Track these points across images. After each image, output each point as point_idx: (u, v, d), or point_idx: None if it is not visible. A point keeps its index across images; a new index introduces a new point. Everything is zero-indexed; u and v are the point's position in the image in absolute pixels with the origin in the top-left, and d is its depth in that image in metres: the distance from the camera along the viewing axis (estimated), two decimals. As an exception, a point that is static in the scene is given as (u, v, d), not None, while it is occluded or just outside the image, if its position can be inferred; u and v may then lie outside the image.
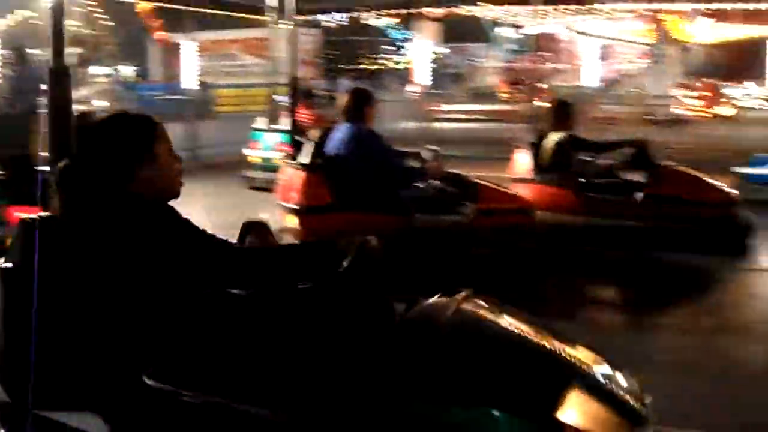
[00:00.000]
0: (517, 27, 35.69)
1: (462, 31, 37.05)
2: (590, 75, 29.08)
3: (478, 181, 6.73)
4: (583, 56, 29.28)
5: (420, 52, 31.05)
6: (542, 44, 35.76)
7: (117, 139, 2.50)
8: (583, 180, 7.30)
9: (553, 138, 7.37)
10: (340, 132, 6.20)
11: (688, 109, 24.72)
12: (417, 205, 6.16)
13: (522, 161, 7.51)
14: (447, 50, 37.70)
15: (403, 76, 29.36)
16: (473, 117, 24.75)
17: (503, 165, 8.04)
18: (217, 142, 14.59)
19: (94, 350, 2.36)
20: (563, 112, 7.60)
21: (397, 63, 39.45)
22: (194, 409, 2.29)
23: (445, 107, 24.51)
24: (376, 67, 40.58)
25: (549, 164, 7.33)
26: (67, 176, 2.52)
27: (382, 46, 41.96)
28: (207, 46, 29.02)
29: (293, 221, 6.12)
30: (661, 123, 19.05)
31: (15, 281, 2.42)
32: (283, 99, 11.32)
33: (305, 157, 6.34)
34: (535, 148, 7.44)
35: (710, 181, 7.40)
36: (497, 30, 36.26)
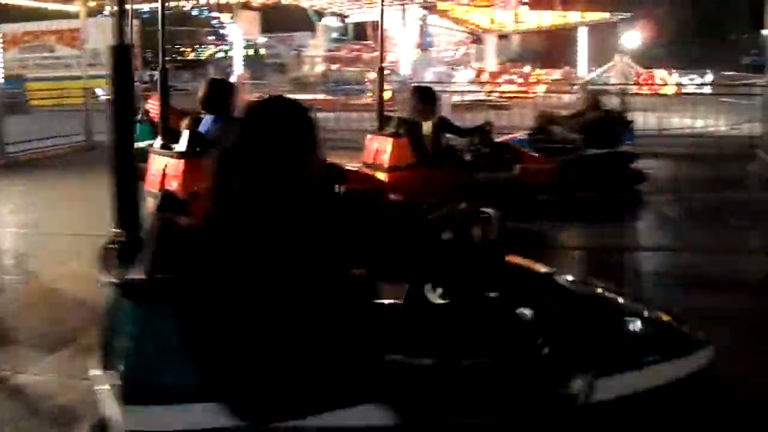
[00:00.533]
0: (343, 16, 36.16)
1: (288, 21, 37.23)
2: (409, 63, 29.84)
3: (345, 165, 7.06)
4: (404, 44, 30.00)
5: (240, 42, 30.98)
6: (367, 33, 36.35)
7: (295, 127, 2.43)
8: (466, 161, 7.81)
9: (429, 125, 7.63)
10: (207, 124, 6.20)
11: (501, 94, 25.92)
12: None
13: (390, 149, 7.67)
14: (267, 39, 37.71)
15: (227, 66, 29.20)
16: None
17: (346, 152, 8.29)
18: (30, 137, 14.22)
19: (335, 341, 2.24)
20: (429, 99, 7.75)
21: (226, 52, 39.13)
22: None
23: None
24: (197, 56, 40.05)
25: (432, 150, 7.61)
26: (229, 163, 2.42)
27: (207, 37, 41.52)
28: (18, 38, 27.94)
29: None
30: (471, 107, 20.11)
31: (195, 291, 2.29)
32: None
33: (182, 146, 6.22)
34: (411, 135, 7.61)
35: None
36: (324, 20, 36.62)
